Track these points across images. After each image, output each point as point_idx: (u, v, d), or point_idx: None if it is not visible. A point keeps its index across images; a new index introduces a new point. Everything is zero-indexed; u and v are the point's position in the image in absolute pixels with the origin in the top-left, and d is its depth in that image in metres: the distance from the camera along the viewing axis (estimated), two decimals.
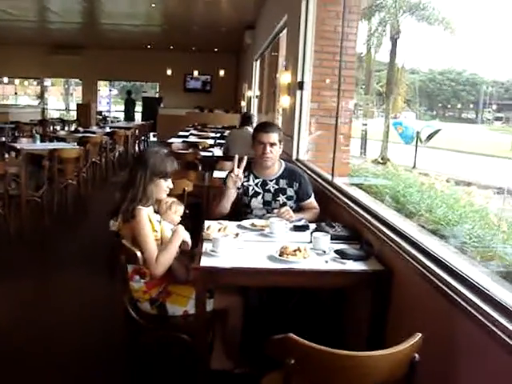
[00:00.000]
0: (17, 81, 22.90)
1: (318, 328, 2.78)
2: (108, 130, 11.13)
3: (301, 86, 4.99)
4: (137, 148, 13.06)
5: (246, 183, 3.35)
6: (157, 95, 20.26)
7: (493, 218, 5.10)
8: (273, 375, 1.84)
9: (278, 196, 3.35)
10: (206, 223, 2.87)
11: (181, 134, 10.17)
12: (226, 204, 3.26)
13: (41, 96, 21.15)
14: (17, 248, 5.12)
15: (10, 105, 20.19)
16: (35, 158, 5.97)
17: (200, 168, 5.66)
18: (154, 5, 10.86)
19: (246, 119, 6.75)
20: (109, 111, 21.13)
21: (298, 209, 3.35)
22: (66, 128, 13.55)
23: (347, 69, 4.57)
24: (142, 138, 14.35)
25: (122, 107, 19.73)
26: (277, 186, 3.36)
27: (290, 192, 3.36)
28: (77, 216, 6.73)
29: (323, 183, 3.81)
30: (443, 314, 1.81)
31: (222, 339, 2.70)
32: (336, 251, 2.47)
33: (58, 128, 13.33)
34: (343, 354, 1.45)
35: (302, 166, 4.41)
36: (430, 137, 14.39)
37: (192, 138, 9.13)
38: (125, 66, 17.74)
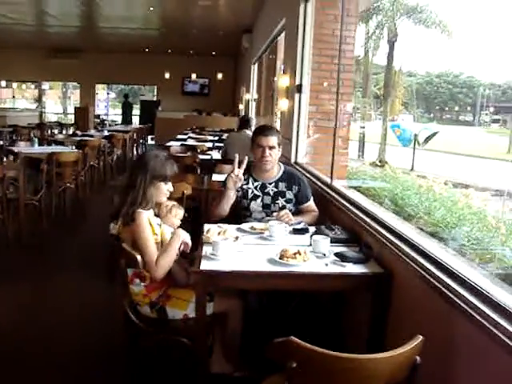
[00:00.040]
0: (14, 84, 22.87)
1: (318, 331, 2.78)
2: (106, 133, 11.12)
3: (299, 89, 5.00)
4: (135, 151, 13.06)
5: (245, 186, 3.35)
6: (155, 98, 20.28)
7: (491, 220, 5.11)
8: (273, 378, 1.84)
9: (278, 199, 3.35)
10: (206, 226, 2.88)
11: (179, 137, 10.18)
12: (226, 205, 3.26)
13: (39, 99, 21.16)
14: (15, 252, 5.11)
15: (8, 108, 20.20)
16: (33, 161, 5.96)
17: (199, 171, 5.66)
18: (151, 8, 10.89)
19: (245, 122, 6.75)
20: (106, 114, 21.15)
21: (296, 212, 3.35)
22: (64, 131, 13.57)
23: (345, 72, 4.57)
24: (140, 141, 14.35)
25: (120, 111, 19.75)
26: (276, 189, 3.37)
27: (289, 195, 3.37)
28: (75, 219, 6.72)
29: (322, 186, 3.81)
30: (443, 316, 1.82)
31: (222, 342, 2.70)
32: (336, 254, 2.47)
33: (56, 131, 13.35)
34: (345, 356, 1.45)
35: (300, 169, 4.41)
36: (427, 139, 14.44)
37: (190, 142, 9.13)
38: (123, 70, 17.77)
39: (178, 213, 2.87)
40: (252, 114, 11.39)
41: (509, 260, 4.23)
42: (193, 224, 3.62)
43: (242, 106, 14.44)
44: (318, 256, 2.51)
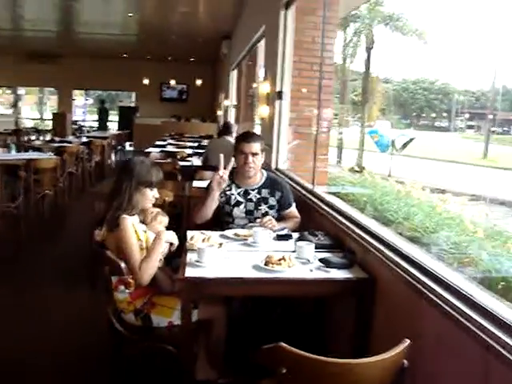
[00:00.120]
0: None
1: (302, 337, 2.80)
2: (84, 139, 11.03)
3: (280, 95, 5.03)
4: (113, 158, 12.96)
5: (228, 192, 3.36)
6: (133, 104, 20.16)
7: (468, 225, 5.19)
8: None
9: (260, 205, 3.36)
10: (189, 233, 2.87)
11: (158, 143, 10.10)
12: (209, 208, 3.25)
13: (14, 105, 20.84)
14: None
15: None
16: (11, 168, 5.89)
17: (179, 178, 5.65)
18: (131, 14, 10.85)
19: (226, 129, 6.76)
20: (84, 121, 20.93)
21: (279, 218, 3.36)
22: (41, 138, 13.38)
23: (325, 79, 4.62)
24: (119, 147, 14.24)
25: (97, 117, 19.58)
26: (259, 196, 3.38)
27: (272, 201, 3.38)
28: (54, 227, 6.64)
29: (304, 192, 3.84)
30: (428, 320, 1.85)
31: (206, 349, 2.69)
32: (320, 260, 2.49)
33: (33, 138, 13.16)
34: (334, 361, 1.47)
35: (281, 175, 4.44)
36: (404, 145, 14.60)
37: (169, 148, 9.09)
38: (101, 76, 17.62)
39: (163, 220, 2.87)
40: (231, 120, 11.41)
41: (486, 263, 4.30)
42: (176, 231, 3.61)
43: (220, 113, 14.45)
44: (302, 262, 2.52)
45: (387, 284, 2.24)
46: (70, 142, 10.05)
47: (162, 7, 10.20)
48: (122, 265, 2.43)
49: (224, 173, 3.17)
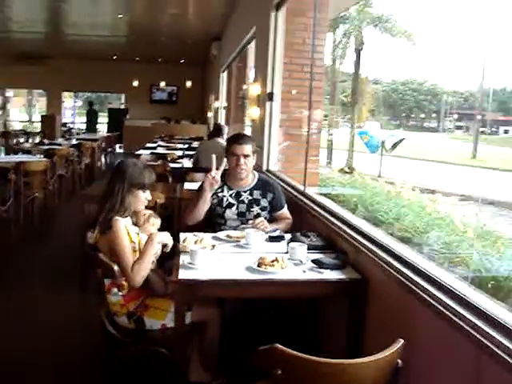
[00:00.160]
0: None
1: (295, 339, 2.80)
2: (74, 141, 10.97)
3: (271, 97, 5.03)
4: (103, 160, 12.91)
5: (220, 194, 3.35)
6: (122, 106, 20.07)
7: (459, 225, 5.23)
8: None
9: (252, 207, 3.36)
10: (182, 235, 2.87)
11: (148, 145, 10.08)
12: (201, 209, 3.24)
13: (3, 107, 20.68)
14: None
15: None
16: (0, 171, 5.84)
17: (170, 180, 5.64)
18: (120, 16, 10.80)
19: (217, 131, 6.75)
20: (73, 123, 20.81)
21: (271, 219, 3.36)
22: (31, 140, 13.28)
23: (316, 80, 4.64)
24: (109, 149, 14.18)
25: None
26: (251, 197, 3.38)
27: (264, 203, 3.39)
28: (44, 229, 6.60)
29: (296, 193, 3.84)
30: (421, 319, 1.86)
31: (200, 351, 2.69)
32: (313, 261, 2.50)
33: (22, 140, 13.06)
34: (327, 362, 1.47)
35: (272, 177, 4.44)
36: (394, 146, 14.68)
37: (160, 150, 9.07)
38: (90, 77, 17.50)
39: (155, 222, 2.86)
40: (222, 121, 11.40)
41: (476, 263, 4.34)
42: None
43: (210, 114, 14.43)
44: (295, 263, 2.53)
45: (380, 284, 2.25)
46: (59, 145, 9.99)
47: (151, 8, 10.16)
48: (115, 267, 2.42)
49: (216, 173, 3.17)
